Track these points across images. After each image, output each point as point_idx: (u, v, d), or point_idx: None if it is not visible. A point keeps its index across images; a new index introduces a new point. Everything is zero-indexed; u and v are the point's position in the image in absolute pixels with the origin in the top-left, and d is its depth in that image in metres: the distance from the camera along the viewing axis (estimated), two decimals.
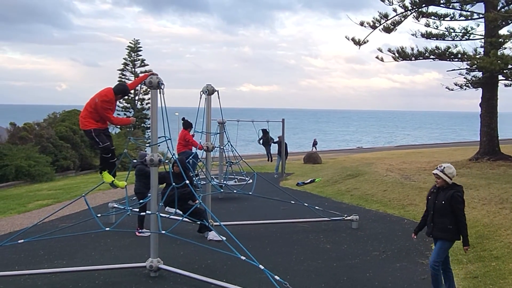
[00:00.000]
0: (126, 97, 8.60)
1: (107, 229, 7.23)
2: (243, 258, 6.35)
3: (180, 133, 13.12)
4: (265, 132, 22.01)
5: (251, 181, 13.68)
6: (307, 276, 6.88)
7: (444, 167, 5.71)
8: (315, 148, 51.52)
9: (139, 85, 7.66)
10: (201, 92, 9.10)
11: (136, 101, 52.79)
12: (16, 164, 23.73)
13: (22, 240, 7.20)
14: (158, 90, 6.83)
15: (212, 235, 8.73)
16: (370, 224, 10.19)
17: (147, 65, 56.60)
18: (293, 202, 11.02)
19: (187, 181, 7.47)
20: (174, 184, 7.29)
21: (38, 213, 12.15)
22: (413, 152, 29.38)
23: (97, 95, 6.99)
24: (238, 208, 12.47)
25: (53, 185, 20.16)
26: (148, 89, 6.94)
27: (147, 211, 7.57)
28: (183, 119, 12.78)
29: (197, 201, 8.09)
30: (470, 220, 9.07)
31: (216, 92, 9.18)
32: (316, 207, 10.54)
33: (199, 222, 8.76)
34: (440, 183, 5.75)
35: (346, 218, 10.04)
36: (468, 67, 17.11)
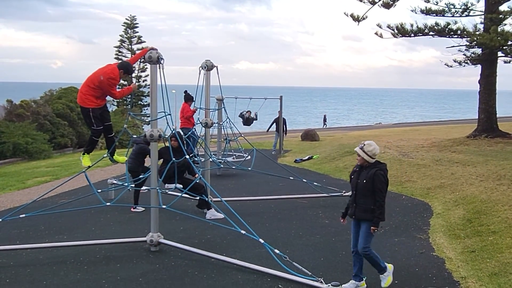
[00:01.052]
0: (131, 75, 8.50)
1: (108, 204, 7.28)
2: (243, 232, 6.41)
3: (181, 107, 12.90)
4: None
5: (249, 157, 13.69)
6: (306, 250, 6.96)
7: (364, 144, 5.39)
8: (326, 124, 51.72)
9: (136, 63, 7.62)
10: (200, 68, 9.03)
11: (133, 79, 52.32)
12: (13, 141, 23.68)
13: (24, 215, 7.26)
14: (158, 65, 6.77)
15: (210, 213, 8.73)
16: None
17: (144, 42, 55.82)
18: (292, 178, 11.08)
19: (187, 156, 7.46)
20: (174, 159, 7.29)
21: (37, 190, 12.18)
22: (411, 129, 29.41)
23: (101, 72, 6.88)
24: (237, 184, 12.52)
25: (51, 162, 20.16)
26: (145, 66, 6.88)
27: (146, 187, 7.59)
28: (185, 91, 12.55)
29: (197, 176, 8.11)
30: (468, 196, 9.16)
31: (215, 68, 9.11)
32: (314, 183, 10.60)
33: (198, 198, 8.79)
34: (360, 160, 5.45)
35: (344, 194, 10.10)
36: (468, 43, 16.95)
